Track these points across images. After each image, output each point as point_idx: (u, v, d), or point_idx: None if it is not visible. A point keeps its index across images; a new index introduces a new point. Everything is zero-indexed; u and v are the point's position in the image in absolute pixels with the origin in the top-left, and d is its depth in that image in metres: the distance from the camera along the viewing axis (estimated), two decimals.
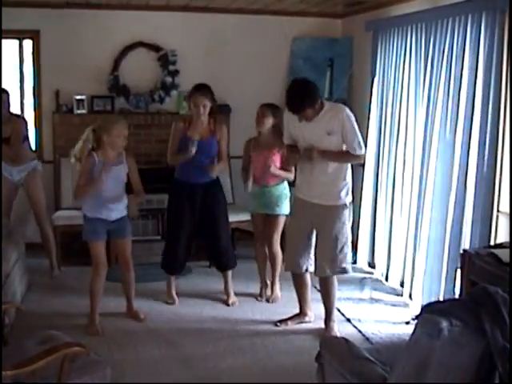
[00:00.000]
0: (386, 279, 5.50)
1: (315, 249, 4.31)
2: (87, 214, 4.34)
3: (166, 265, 4.95)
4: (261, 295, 5.11)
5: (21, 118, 5.38)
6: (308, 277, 4.49)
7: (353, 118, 4.06)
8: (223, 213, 4.87)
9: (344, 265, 4.26)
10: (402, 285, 5.21)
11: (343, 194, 4.18)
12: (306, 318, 4.61)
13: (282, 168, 4.75)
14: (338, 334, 4.30)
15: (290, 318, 4.61)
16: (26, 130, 5.33)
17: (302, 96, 3.94)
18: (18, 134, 5.18)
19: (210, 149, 4.67)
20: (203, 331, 4.46)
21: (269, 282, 5.10)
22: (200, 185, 4.71)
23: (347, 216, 4.22)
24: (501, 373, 2.19)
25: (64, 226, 5.66)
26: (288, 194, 4.84)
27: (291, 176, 4.74)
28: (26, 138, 5.33)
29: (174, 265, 4.93)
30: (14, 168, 5.29)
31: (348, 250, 4.27)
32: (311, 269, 4.39)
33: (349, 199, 4.23)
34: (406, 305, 5.00)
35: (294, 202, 4.46)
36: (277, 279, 5.05)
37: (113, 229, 4.38)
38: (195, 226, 4.83)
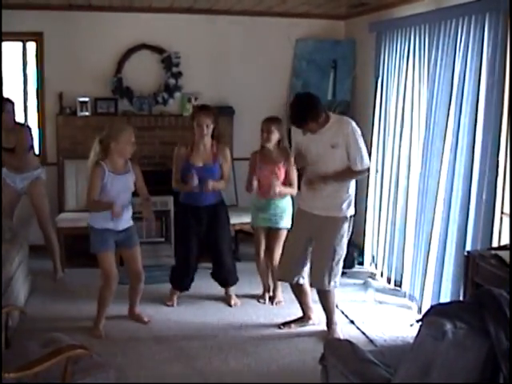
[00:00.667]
0: (389, 281, 5.48)
1: (311, 260, 4.29)
2: (94, 226, 4.28)
3: (174, 282, 4.99)
4: (263, 297, 5.10)
5: (25, 127, 5.37)
6: (306, 285, 4.47)
7: (358, 132, 4.07)
8: (226, 233, 4.90)
9: (337, 278, 4.25)
10: (405, 287, 5.19)
11: (345, 206, 4.17)
12: (310, 322, 4.60)
13: (285, 184, 4.72)
14: (342, 336, 4.29)
15: (294, 321, 4.61)
16: (31, 138, 5.33)
17: (304, 110, 3.97)
18: (24, 144, 5.18)
19: (213, 174, 4.65)
20: (206, 333, 4.46)
21: (271, 284, 5.09)
22: (204, 207, 4.72)
23: (346, 230, 4.20)
24: (505, 374, 2.19)
25: (67, 228, 5.66)
26: (291, 208, 4.84)
27: (294, 192, 4.73)
28: (31, 146, 5.34)
29: (182, 283, 4.98)
30: (17, 176, 5.30)
31: (341, 264, 4.26)
32: (301, 281, 4.39)
33: (350, 212, 4.21)
34: (409, 307, 4.98)
35: (296, 213, 4.47)
36: (279, 287, 5.03)
37: (120, 239, 4.34)
38: (202, 246, 4.88)
